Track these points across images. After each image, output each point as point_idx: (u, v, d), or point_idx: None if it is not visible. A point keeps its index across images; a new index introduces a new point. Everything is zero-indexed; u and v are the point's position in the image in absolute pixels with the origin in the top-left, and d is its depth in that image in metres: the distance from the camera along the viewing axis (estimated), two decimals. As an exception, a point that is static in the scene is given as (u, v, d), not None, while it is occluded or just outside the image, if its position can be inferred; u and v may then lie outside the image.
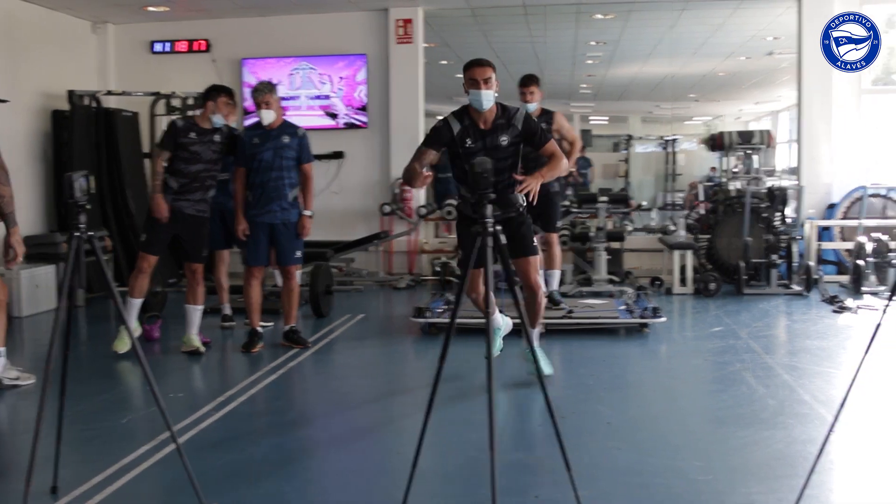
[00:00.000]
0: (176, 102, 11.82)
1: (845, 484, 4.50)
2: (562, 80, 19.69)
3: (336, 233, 12.17)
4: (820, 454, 4.00)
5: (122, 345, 7.62)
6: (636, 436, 5.36)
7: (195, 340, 7.77)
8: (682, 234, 11.86)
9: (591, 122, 24.32)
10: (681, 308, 10.17)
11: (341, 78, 13.01)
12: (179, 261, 8.07)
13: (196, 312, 7.82)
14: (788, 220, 11.17)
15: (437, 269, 12.10)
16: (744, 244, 10.85)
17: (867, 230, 11.04)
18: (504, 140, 6.10)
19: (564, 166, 6.31)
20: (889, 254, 10.62)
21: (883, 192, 11.53)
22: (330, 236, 11.68)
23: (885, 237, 10.80)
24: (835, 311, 9.46)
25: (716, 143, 12.55)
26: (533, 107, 8.47)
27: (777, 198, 10.87)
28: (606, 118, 25.72)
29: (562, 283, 8.90)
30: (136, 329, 7.93)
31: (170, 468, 4.70)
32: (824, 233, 12.05)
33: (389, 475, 4.62)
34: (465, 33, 15.03)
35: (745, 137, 12.39)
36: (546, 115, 8.58)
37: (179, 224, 7.65)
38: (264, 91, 7.71)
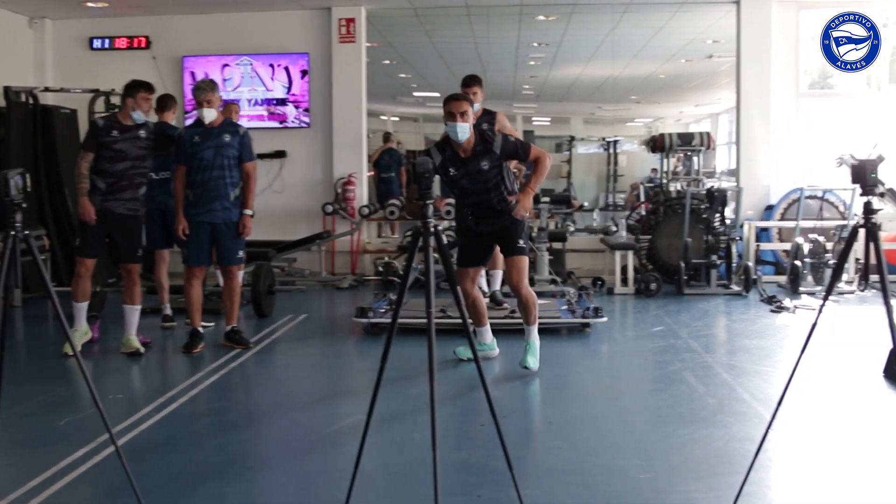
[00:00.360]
0: (115, 100, 11.67)
1: (783, 481, 4.56)
2: (504, 81, 19.74)
3: (278, 232, 12.10)
4: (758, 452, 4.05)
5: (77, 339, 7.56)
6: (577, 435, 5.39)
7: (134, 341, 7.68)
8: (623, 235, 11.97)
9: (534, 123, 24.43)
10: (622, 308, 10.25)
11: (283, 77, 12.93)
12: (116, 261, 7.96)
13: (134, 313, 7.74)
14: (728, 222, 11.30)
15: (380, 269, 12.10)
16: (684, 245, 10.96)
17: (804, 231, 11.20)
18: (485, 165, 6.57)
19: (548, 164, 6.70)
20: (825, 254, 10.79)
21: (819, 194, 11.71)
22: (272, 236, 11.61)
23: (821, 238, 10.97)
24: (773, 311, 9.59)
25: (656, 144, 12.68)
26: (476, 107, 8.45)
27: (716, 199, 10.98)
28: (549, 119, 25.85)
29: (503, 282, 8.91)
30: (87, 332, 7.82)
31: (109, 471, 4.63)
32: (762, 234, 12.22)
33: (332, 475, 4.60)
34: (408, 33, 15.02)
35: (685, 139, 12.53)
36: (488, 115, 8.57)
37: (111, 224, 7.55)
38: (206, 89, 7.62)
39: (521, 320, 7.97)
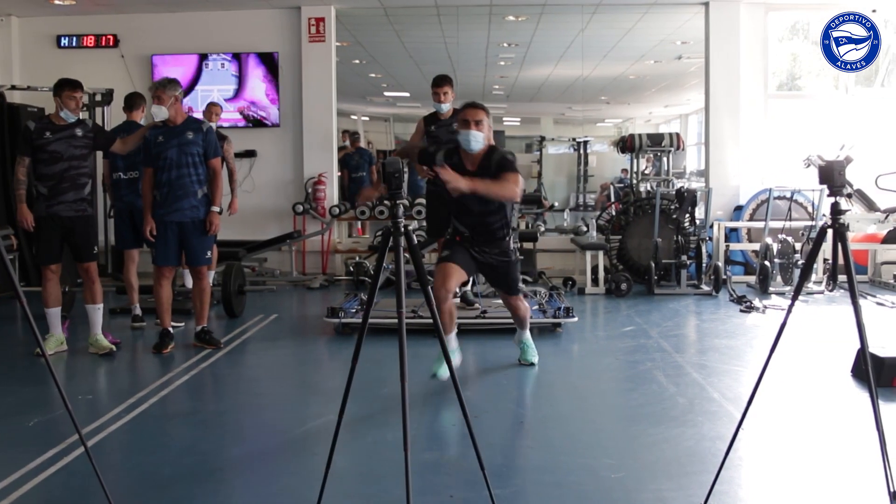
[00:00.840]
0: (83, 99, 11.57)
1: (754, 479, 4.58)
2: (475, 81, 19.76)
3: (248, 232, 12.07)
4: (728, 450, 4.07)
5: (51, 346, 7.52)
6: (548, 434, 5.41)
7: (102, 340, 7.64)
8: (593, 235, 12.01)
9: (504, 124, 24.44)
10: (593, 308, 10.29)
11: (253, 75, 12.90)
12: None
13: (97, 312, 7.69)
14: (697, 222, 11.36)
15: (351, 268, 12.09)
16: (654, 245, 11.02)
17: (773, 232, 11.28)
18: None
19: (511, 194, 6.10)
20: (794, 255, 10.87)
21: (788, 195, 11.79)
22: (242, 236, 11.58)
23: (790, 239, 11.05)
24: (742, 311, 9.66)
25: (626, 145, 12.73)
26: (446, 107, 8.47)
27: (686, 199, 11.04)
28: (519, 119, 25.90)
29: (475, 283, 8.92)
30: (62, 343, 7.74)
31: (79, 473, 4.60)
32: (732, 234, 12.31)
33: (304, 476, 4.58)
34: (379, 33, 15.01)
35: (655, 140, 12.58)
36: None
37: (63, 229, 7.50)
38: (156, 86, 7.59)
39: (492, 320, 8.06)
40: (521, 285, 6.90)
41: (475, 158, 6.20)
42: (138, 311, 8.86)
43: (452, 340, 6.67)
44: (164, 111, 7.52)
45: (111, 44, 13.02)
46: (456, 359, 6.62)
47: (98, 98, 11.48)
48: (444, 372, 6.37)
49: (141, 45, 12.99)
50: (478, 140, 6.11)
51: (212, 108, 10.12)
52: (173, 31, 12.95)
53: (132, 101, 8.76)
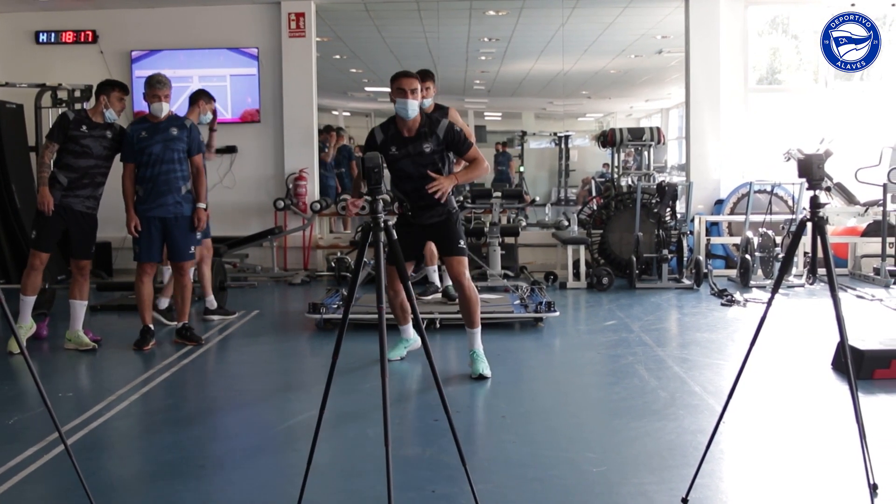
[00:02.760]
0: (62, 94, 11.51)
1: (735, 472, 4.61)
2: (456, 76, 19.74)
3: (230, 228, 12.04)
4: (710, 444, 4.09)
5: (23, 334, 7.52)
6: (530, 429, 5.41)
7: (83, 336, 7.62)
8: (575, 230, 12.04)
9: (486, 118, 24.38)
10: (574, 302, 10.30)
11: (233, 71, 12.86)
12: (67, 257, 7.89)
13: (82, 308, 7.68)
14: (678, 216, 11.39)
15: (333, 264, 12.08)
16: (635, 239, 11.05)
17: (753, 225, 11.32)
18: (427, 147, 6.43)
19: (484, 170, 6.60)
20: (775, 248, 10.92)
21: (768, 189, 11.83)
22: (223, 231, 11.54)
23: (770, 232, 11.10)
24: (723, 305, 9.69)
25: (607, 139, 12.73)
26: (428, 102, 8.46)
27: (667, 193, 11.06)
28: (500, 114, 25.84)
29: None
30: (32, 327, 7.74)
31: (59, 471, 4.58)
32: (713, 228, 12.34)
33: (286, 472, 4.57)
34: (359, 28, 14.98)
35: (636, 134, 12.60)
36: (440, 110, 8.59)
37: (69, 220, 7.49)
38: (165, 83, 7.61)
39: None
40: (462, 244, 6.62)
41: (411, 125, 6.43)
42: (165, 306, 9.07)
43: (409, 330, 7.13)
44: (166, 107, 7.60)
45: (90, 39, 12.95)
46: (412, 346, 7.16)
47: (77, 94, 11.40)
48: (395, 354, 7.02)
49: (120, 40, 12.92)
50: (413, 108, 6.34)
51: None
52: (153, 26, 12.88)
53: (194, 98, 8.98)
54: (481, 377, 6.47)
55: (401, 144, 6.44)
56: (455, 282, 6.67)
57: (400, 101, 6.34)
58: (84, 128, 7.47)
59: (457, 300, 8.57)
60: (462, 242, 6.65)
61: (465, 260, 6.68)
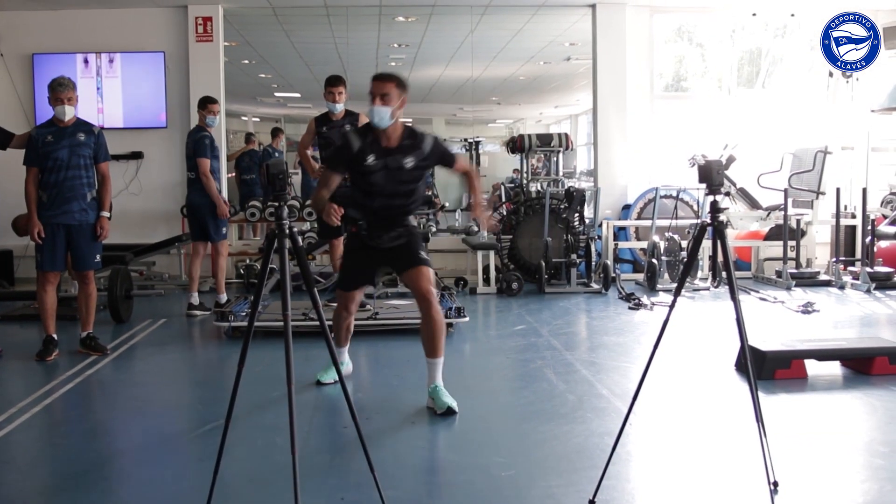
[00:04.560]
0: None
1: (641, 473, 4.66)
2: (366, 82, 19.32)
3: (136, 235, 11.85)
4: (615, 445, 4.14)
5: None
6: (439, 434, 5.42)
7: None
8: (485, 235, 12.07)
9: (396, 124, 24.39)
10: (485, 307, 10.35)
11: (138, 75, 12.66)
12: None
13: None
14: (587, 221, 11.52)
15: (241, 271, 11.97)
16: (544, 244, 11.14)
17: (660, 230, 11.50)
18: (408, 163, 5.73)
19: (476, 173, 6.28)
20: (680, 252, 11.10)
21: (674, 194, 12.04)
22: (129, 239, 11.37)
23: (676, 236, 11.28)
24: (631, 308, 9.82)
25: (516, 145, 12.82)
26: (339, 107, 8.49)
27: (575, 199, 11.18)
28: (410, 120, 25.56)
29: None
30: None
31: (-46, 485, 4.46)
32: (620, 232, 12.51)
33: (192, 483, 4.50)
34: (268, 32, 14.87)
35: (544, 140, 12.71)
36: (351, 116, 8.61)
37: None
38: (68, 86, 7.45)
39: (384, 321, 7.98)
40: (424, 254, 5.93)
41: (391, 135, 5.73)
42: (195, 300, 9.73)
43: (344, 354, 6.61)
44: (72, 111, 7.48)
45: (-10, 42, 12.65)
46: (345, 371, 6.61)
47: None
48: (328, 378, 6.47)
49: (21, 44, 12.60)
50: (382, 116, 5.62)
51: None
52: (55, 29, 12.60)
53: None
54: (450, 411, 5.69)
55: (380, 155, 5.69)
56: (421, 300, 5.83)
57: (373, 109, 5.65)
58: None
59: (366, 307, 8.56)
60: (424, 253, 5.96)
61: (431, 272, 5.91)
